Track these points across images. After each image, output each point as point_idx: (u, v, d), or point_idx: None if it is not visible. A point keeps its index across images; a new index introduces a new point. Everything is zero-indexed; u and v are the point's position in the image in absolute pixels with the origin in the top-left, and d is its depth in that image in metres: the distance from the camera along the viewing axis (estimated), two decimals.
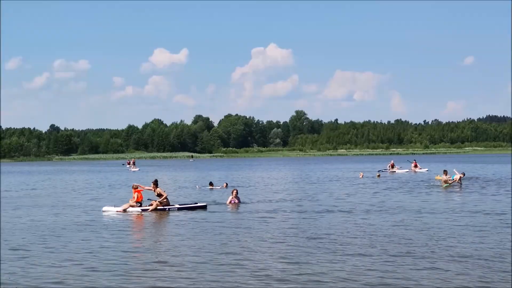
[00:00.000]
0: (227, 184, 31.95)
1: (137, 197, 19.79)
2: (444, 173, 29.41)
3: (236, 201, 21.59)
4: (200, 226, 15.78)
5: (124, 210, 19.27)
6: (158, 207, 19.54)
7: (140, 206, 19.69)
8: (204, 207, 20.10)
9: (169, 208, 19.66)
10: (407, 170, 47.15)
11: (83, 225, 16.32)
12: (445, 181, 28.72)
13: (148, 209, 19.38)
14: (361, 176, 39.65)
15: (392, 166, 49.00)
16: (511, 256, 10.91)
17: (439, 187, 28.35)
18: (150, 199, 20.01)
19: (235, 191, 22.11)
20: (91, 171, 62.80)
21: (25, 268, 10.59)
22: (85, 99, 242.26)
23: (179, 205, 20.38)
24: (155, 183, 20.21)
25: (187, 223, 16.51)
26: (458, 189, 27.04)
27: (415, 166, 48.44)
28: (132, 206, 19.54)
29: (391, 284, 9.13)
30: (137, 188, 20.01)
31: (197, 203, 20.67)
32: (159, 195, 19.95)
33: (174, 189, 31.09)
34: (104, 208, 19.86)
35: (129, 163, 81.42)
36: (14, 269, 10.52)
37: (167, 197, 20.18)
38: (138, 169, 63.49)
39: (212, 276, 9.77)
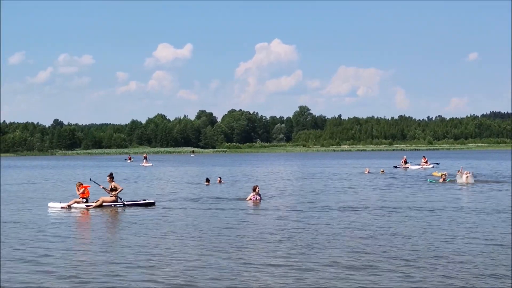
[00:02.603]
0: (220, 178, 32.21)
1: (83, 192, 20.09)
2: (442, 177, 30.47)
3: (258, 197, 21.26)
4: (189, 224, 15.76)
5: (69, 206, 19.50)
6: (104, 203, 19.83)
7: (86, 202, 20.05)
8: (152, 204, 20.31)
9: (114, 205, 19.84)
10: (420, 166, 47.80)
11: (19, 223, 16.31)
12: (443, 179, 30.08)
13: (92, 205, 19.65)
14: (366, 172, 39.97)
15: (405, 162, 49.68)
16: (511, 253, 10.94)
17: (436, 184, 28.89)
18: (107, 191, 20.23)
19: (257, 188, 21.69)
20: (103, 166, 63.03)
21: None
22: (89, 94, 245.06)
23: (126, 201, 20.71)
24: (111, 176, 20.54)
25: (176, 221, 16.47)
26: (454, 186, 27.33)
27: (426, 162, 49.12)
28: (78, 202, 19.82)
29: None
30: (81, 184, 20.44)
31: (145, 200, 21.02)
32: (114, 189, 20.22)
33: (175, 184, 31.51)
34: (50, 204, 20.07)
35: (130, 159, 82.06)
36: None
37: (117, 193, 20.47)
38: (151, 164, 62.16)
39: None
